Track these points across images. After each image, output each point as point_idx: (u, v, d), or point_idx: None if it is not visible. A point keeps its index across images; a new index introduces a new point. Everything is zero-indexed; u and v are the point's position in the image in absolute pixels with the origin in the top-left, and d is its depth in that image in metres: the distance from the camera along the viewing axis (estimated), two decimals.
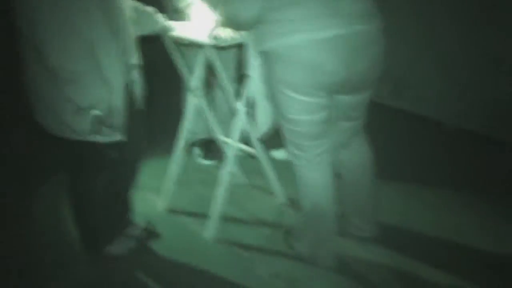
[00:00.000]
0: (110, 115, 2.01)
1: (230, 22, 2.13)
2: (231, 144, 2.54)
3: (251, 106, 2.49)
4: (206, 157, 3.34)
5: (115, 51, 1.99)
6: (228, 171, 2.55)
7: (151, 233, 2.56)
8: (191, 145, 3.31)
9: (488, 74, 3.37)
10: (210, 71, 3.06)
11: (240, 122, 2.49)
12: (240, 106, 2.46)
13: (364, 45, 1.98)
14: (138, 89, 2.27)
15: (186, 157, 2.87)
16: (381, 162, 2.44)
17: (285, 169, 2.96)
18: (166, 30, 2.43)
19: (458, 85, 3.54)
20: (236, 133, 2.50)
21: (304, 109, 2.06)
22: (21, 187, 3.12)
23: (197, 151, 3.37)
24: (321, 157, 2.20)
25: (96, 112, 1.97)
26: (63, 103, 1.97)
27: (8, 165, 3.40)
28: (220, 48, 2.40)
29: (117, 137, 2.10)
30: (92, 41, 1.90)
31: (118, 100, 2.04)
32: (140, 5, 2.32)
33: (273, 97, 2.13)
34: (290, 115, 2.10)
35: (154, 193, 2.94)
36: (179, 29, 2.47)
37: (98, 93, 1.94)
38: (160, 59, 2.91)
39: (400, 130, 3.72)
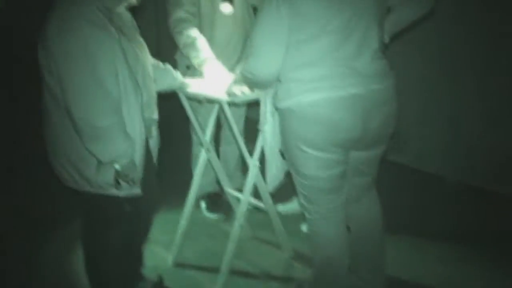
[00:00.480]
0: (130, 169, 2.03)
1: (248, 80, 2.18)
2: (243, 199, 2.56)
3: (262, 161, 2.53)
4: (212, 210, 3.35)
5: (138, 107, 2.04)
6: (239, 225, 2.56)
7: (161, 287, 2.54)
8: (198, 198, 3.32)
9: (489, 128, 3.46)
10: (218, 126, 3.13)
11: (253, 177, 2.52)
12: (253, 161, 2.50)
13: (379, 103, 2.05)
14: (155, 144, 2.31)
15: (193, 210, 2.88)
16: (385, 216, 2.46)
17: (290, 222, 3.00)
18: (183, 86, 2.50)
19: (460, 140, 3.61)
20: (249, 188, 2.53)
21: (319, 165, 2.10)
22: (34, 237, 3.10)
23: (203, 204, 3.38)
24: (334, 212, 2.23)
25: (117, 167, 2.00)
26: (85, 157, 2.00)
27: (22, 213, 3.39)
28: (234, 104, 2.45)
29: (134, 191, 2.12)
30: (118, 97, 1.95)
31: (138, 155, 2.07)
32: (158, 62, 2.39)
33: (288, 152, 2.17)
34: (305, 170, 2.13)
35: (163, 247, 2.93)
36: (195, 86, 2.53)
37: (120, 148, 1.96)
38: (169, 114, 2.96)
39: (403, 184, 3.74)
